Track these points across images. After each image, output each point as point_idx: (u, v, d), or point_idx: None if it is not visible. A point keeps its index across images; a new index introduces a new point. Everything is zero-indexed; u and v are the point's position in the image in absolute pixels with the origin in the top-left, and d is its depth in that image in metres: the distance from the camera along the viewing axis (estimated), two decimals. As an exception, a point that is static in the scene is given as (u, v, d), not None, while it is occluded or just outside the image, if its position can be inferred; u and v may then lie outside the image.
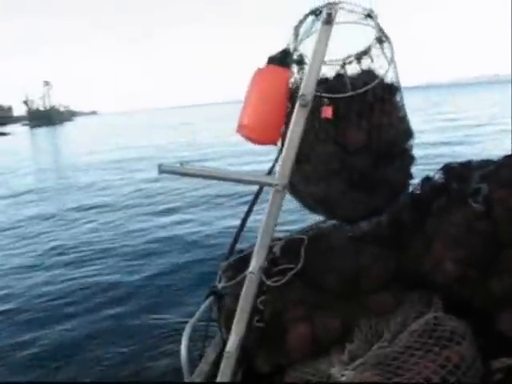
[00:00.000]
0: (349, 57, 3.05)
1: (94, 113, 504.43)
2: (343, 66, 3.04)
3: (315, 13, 3.00)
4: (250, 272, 2.52)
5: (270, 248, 3.58)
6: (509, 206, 3.18)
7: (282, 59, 3.06)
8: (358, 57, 3.04)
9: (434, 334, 2.86)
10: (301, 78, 2.92)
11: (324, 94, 2.94)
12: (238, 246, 3.62)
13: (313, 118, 2.91)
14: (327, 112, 2.97)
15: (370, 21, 3.02)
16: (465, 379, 2.68)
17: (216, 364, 3.19)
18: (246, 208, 3.59)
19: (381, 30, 3.01)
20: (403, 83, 3.17)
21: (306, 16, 3.06)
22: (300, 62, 3.03)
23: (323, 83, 3.04)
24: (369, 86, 2.98)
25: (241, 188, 15.73)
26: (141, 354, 6.87)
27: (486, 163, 3.60)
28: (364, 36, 3.02)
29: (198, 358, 3.61)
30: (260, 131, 3.12)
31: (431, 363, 2.70)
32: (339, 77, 3.09)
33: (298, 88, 2.91)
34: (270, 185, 2.41)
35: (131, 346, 7.23)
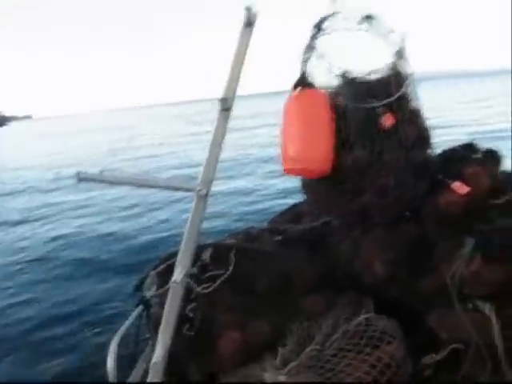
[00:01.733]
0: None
1: (28, 117, 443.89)
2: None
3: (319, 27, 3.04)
4: (173, 282, 2.43)
5: (199, 254, 3.53)
6: (436, 207, 3.25)
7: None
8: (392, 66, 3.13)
9: (365, 335, 2.88)
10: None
11: (383, 102, 3.01)
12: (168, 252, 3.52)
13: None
14: (389, 120, 2.98)
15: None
16: (395, 378, 2.71)
17: (147, 375, 3.09)
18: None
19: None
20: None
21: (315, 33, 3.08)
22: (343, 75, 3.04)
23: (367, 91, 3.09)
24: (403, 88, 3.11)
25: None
26: (66, 370, 6.58)
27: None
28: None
29: (129, 370, 3.49)
30: (312, 161, 3.08)
31: (363, 364, 2.71)
32: (379, 82, 3.12)
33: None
34: (192, 190, 2.33)
35: (55, 358, 6.91)
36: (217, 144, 2.29)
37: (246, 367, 3.02)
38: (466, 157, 3.46)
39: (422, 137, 3.28)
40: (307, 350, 2.91)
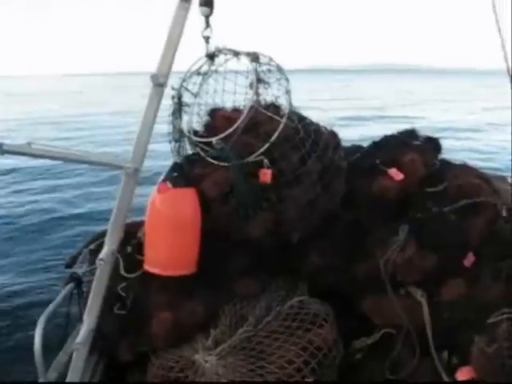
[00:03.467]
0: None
1: None
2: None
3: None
4: (100, 259, 2.34)
5: (135, 233, 3.46)
6: (370, 193, 3.26)
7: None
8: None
9: (297, 317, 2.88)
10: None
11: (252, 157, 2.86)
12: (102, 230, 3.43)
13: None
14: (265, 176, 2.88)
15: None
16: (326, 361, 2.72)
17: None
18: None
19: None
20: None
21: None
22: None
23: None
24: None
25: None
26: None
27: (351, 150, 3.67)
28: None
29: (59, 349, 3.40)
30: (177, 265, 3.01)
31: (294, 346, 2.71)
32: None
33: None
34: (120, 168, 2.24)
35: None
36: (149, 120, 2.21)
37: (177, 348, 2.98)
38: (405, 143, 3.48)
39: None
40: (239, 331, 2.90)
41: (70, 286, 3.27)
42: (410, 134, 3.66)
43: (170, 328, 3.00)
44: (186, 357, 2.87)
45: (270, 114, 2.90)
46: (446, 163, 3.50)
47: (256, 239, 3.00)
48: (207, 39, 2.89)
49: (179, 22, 2.36)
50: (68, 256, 3.64)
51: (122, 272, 3.21)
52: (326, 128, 3.30)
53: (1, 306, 7.51)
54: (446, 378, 3.03)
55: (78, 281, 3.30)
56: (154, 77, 2.13)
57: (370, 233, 3.30)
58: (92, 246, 3.42)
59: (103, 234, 3.22)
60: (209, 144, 2.93)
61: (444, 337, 3.13)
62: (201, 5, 2.75)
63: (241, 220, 2.94)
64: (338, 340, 2.88)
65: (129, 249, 3.31)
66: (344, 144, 3.51)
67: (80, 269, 3.37)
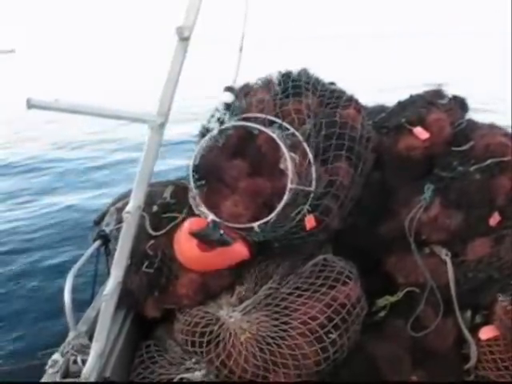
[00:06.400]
0: None
1: None
2: None
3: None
4: (126, 212, 2.35)
5: (161, 192, 3.49)
6: (396, 152, 3.25)
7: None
8: None
9: (321, 275, 2.90)
10: None
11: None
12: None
13: None
14: (310, 223, 2.88)
15: None
16: (350, 318, 2.75)
17: None
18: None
19: None
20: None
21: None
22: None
23: None
24: None
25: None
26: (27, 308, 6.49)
27: (376, 110, 3.65)
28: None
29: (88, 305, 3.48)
30: None
31: (318, 303, 2.74)
32: None
33: None
34: (146, 122, 2.24)
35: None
36: (174, 75, 2.20)
37: (203, 305, 3.03)
38: (431, 102, 3.44)
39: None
40: (263, 288, 2.94)
41: (98, 242, 3.32)
42: (437, 93, 3.62)
43: (197, 288, 3.04)
44: (211, 313, 2.92)
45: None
46: (473, 122, 3.46)
47: None
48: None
49: None
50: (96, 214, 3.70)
51: (150, 230, 3.25)
52: (348, 98, 3.27)
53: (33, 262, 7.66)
54: (468, 337, 3.05)
55: (105, 238, 3.35)
56: (179, 30, 2.12)
57: (395, 192, 3.29)
58: (119, 205, 3.45)
59: (130, 194, 3.27)
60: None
61: (468, 296, 3.14)
62: None
63: None
64: (362, 297, 2.90)
65: (155, 208, 3.35)
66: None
67: (107, 227, 3.42)
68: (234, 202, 2.89)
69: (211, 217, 2.90)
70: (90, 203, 9.75)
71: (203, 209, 2.94)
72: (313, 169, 2.86)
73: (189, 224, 2.99)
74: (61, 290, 2.87)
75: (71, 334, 2.83)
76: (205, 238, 2.86)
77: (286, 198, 2.78)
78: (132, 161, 11.25)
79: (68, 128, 16.70)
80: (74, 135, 16.24)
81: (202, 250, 2.91)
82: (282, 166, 2.84)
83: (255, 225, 2.83)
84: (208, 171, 3.00)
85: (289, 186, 2.77)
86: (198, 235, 2.87)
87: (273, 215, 2.80)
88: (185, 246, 2.99)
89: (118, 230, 3.01)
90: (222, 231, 2.83)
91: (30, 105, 1.98)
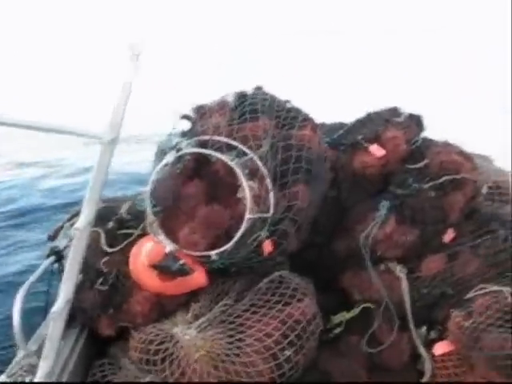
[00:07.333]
0: None
1: None
2: None
3: None
4: (75, 228, 2.32)
5: (117, 208, 3.46)
6: (351, 169, 3.28)
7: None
8: None
9: (277, 291, 2.90)
10: None
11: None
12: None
13: None
14: (268, 247, 2.88)
15: None
16: (305, 334, 2.75)
17: None
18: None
19: None
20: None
21: None
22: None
23: None
24: None
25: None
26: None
27: (334, 127, 3.68)
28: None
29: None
30: None
31: (273, 320, 2.73)
32: None
33: None
34: (96, 138, 2.20)
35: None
36: (126, 88, 2.18)
37: (158, 322, 3.00)
38: (387, 120, 3.49)
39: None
40: (219, 304, 2.92)
41: (51, 259, 3.26)
42: (394, 111, 3.67)
43: (152, 306, 3.00)
44: (166, 330, 2.88)
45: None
46: (428, 140, 3.51)
47: None
48: None
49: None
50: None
51: (104, 247, 3.21)
52: (304, 118, 3.24)
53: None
54: (423, 353, 3.08)
55: (58, 255, 3.29)
56: (131, 46, 2.10)
57: (350, 208, 3.32)
58: (74, 220, 3.40)
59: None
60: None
61: (423, 312, 3.18)
62: None
63: None
64: (318, 314, 2.90)
65: (110, 224, 3.31)
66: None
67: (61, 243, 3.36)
68: (191, 230, 2.84)
69: (170, 247, 2.86)
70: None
71: (161, 237, 2.90)
72: (271, 194, 2.84)
73: (147, 254, 2.96)
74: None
75: (20, 354, 2.76)
76: (165, 270, 2.86)
77: (243, 227, 2.76)
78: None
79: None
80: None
81: (163, 281, 2.90)
82: (239, 195, 2.80)
83: (213, 253, 2.81)
84: (165, 197, 2.94)
85: (247, 216, 2.74)
86: (158, 267, 2.87)
87: (230, 244, 2.77)
88: (145, 278, 2.98)
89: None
90: (181, 261, 2.83)
91: None
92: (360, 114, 3.66)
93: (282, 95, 3.31)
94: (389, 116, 3.57)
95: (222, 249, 2.79)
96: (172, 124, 3.12)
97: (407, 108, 3.66)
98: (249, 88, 3.26)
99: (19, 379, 2.59)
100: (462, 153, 3.36)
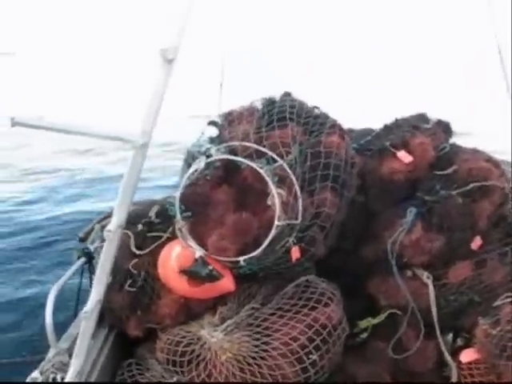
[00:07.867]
0: None
1: None
2: None
3: None
4: (107, 230, 2.36)
5: (146, 212, 3.51)
6: (379, 175, 3.28)
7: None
8: None
9: (303, 296, 2.92)
10: None
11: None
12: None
13: None
14: (295, 253, 2.90)
15: None
16: (331, 339, 2.76)
17: None
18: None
19: None
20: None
21: None
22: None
23: None
24: None
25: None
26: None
27: (362, 133, 3.69)
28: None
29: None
30: None
31: (299, 324, 2.75)
32: None
33: None
34: (129, 142, 2.26)
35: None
36: (158, 95, 2.22)
37: (185, 325, 3.03)
38: (415, 126, 3.49)
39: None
40: (246, 308, 2.94)
41: (81, 260, 3.33)
42: (421, 117, 3.67)
43: (179, 309, 3.04)
44: (193, 332, 2.92)
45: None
46: (456, 147, 3.51)
47: None
48: None
49: None
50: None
51: (134, 249, 3.26)
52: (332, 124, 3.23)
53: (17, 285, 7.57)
54: (449, 360, 3.07)
55: (89, 256, 3.36)
56: (163, 51, 2.14)
57: (378, 214, 3.33)
58: (104, 223, 3.46)
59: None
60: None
61: (449, 319, 3.17)
62: None
63: None
64: (344, 319, 2.91)
65: (139, 227, 3.36)
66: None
67: (93, 244, 3.43)
68: (220, 236, 2.86)
69: (199, 252, 2.88)
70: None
71: (191, 243, 2.93)
72: (299, 202, 2.86)
73: (177, 259, 2.98)
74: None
75: (52, 352, 2.82)
76: (195, 275, 2.87)
77: (272, 234, 2.77)
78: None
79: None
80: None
81: (192, 286, 2.91)
82: (269, 202, 2.81)
83: (241, 259, 2.83)
84: (194, 203, 2.97)
85: (276, 223, 2.75)
86: (187, 273, 2.88)
87: (259, 251, 2.79)
88: (174, 282, 2.99)
89: (102, 247, 3.02)
90: (210, 266, 2.84)
91: (14, 122, 1.99)
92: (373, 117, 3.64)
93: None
94: (416, 122, 3.58)
95: (250, 255, 2.80)
96: (200, 130, 3.15)
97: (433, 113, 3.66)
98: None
99: (51, 376, 2.64)
100: (490, 160, 3.35)
